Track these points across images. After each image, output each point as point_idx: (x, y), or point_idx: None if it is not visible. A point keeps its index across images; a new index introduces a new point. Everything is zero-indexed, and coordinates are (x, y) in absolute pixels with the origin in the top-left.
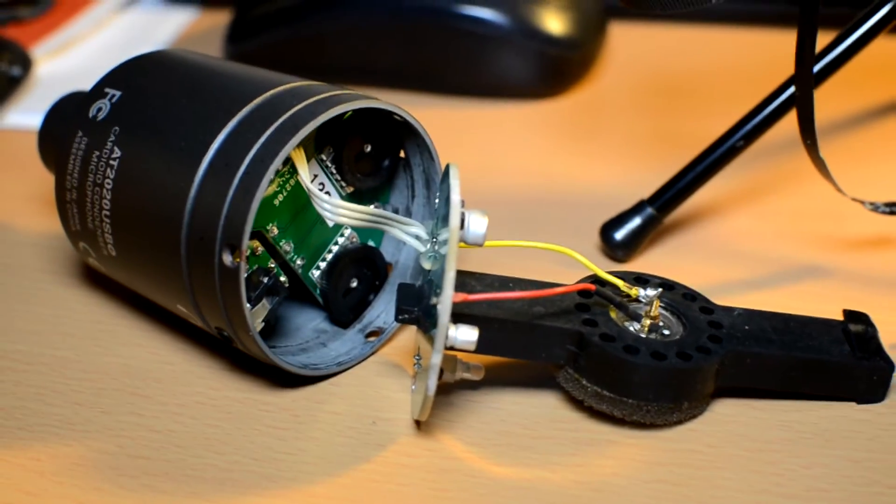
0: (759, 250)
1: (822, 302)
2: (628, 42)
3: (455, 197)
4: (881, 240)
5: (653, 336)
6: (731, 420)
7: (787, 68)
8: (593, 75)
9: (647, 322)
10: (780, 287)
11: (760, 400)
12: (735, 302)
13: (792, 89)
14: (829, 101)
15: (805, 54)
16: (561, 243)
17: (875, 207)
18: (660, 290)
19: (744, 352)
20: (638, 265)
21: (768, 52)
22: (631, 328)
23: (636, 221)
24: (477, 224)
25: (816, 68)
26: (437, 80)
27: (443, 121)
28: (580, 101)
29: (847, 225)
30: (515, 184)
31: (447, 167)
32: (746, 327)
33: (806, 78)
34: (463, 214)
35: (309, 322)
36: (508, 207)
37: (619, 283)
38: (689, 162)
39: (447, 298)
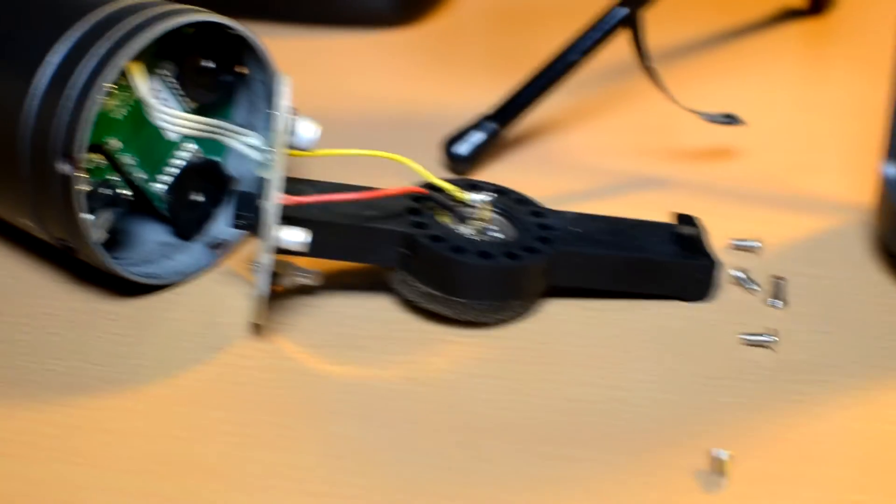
0: (598, 163)
1: (658, 210)
2: None
3: (282, 103)
4: (716, 150)
5: (483, 238)
6: (561, 318)
7: None
8: (449, 2)
9: (478, 224)
10: (618, 196)
11: (591, 300)
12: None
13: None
14: (674, 21)
15: None
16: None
17: (710, 118)
18: (491, 195)
19: (572, 252)
20: (481, 178)
21: None
22: (461, 231)
23: (477, 135)
24: (306, 129)
25: None
26: (294, 9)
27: (297, 50)
28: (436, 28)
29: (684, 137)
30: (367, 108)
31: (279, 78)
32: (576, 229)
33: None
34: (292, 121)
35: (155, 235)
36: (357, 129)
37: (451, 187)
38: (527, 77)
39: (273, 199)
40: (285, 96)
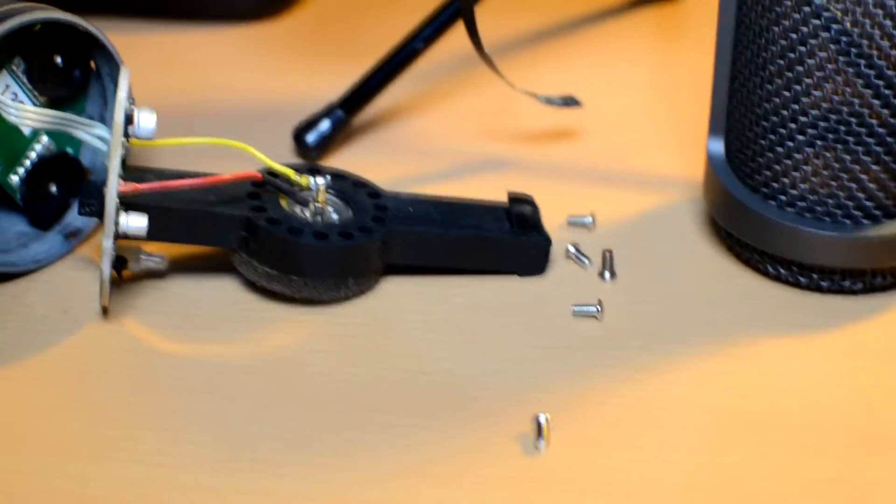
0: (444, 147)
1: (500, 190)
2: None
3: (120, 94)
4: (558, 132)
5: (319, 220)
6: (398, 295)
7: None
8: None
9: (315, 207)
10: (462, 178)
11: (429, 277)
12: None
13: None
14: (531, 6)
15: None
16: (262, 151)
17: (548, 101)
18: (328, 178)
19: (406, 231)
20: (331, 164)
21: None
22: (299, 213)
23: (326, 124)
24: (145, 119)
25: None
26: (159, 5)
27: (161, 46)
28: (299, 21)
29: (527, 120)
30: (226, 101)
31: (120, 71)
32: (411, 210)
33: None
34: (131, 111)
35: (12, 225)
36: (215, 121)
37: (290, 172)
38: (373, 65)
39: (112, 186)
40: (123, 87)
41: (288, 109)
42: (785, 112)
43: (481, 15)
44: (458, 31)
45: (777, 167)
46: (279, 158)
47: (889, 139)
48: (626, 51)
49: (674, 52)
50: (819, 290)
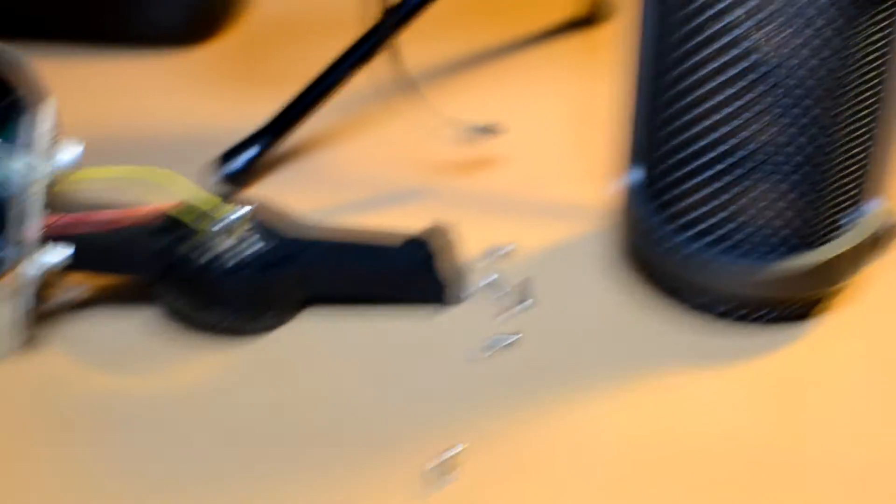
0: (366, 176)
1: (421, 219)
2: None
3: (42, 125)
4: (481, 161)
5: (236, 252)
6: (314, 327)
7: None
8: (241, 21)
9: (232, 240)
10: (384, 209)
11: (345, 309)
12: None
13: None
14: (456, 34)
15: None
16: (185, 180)
17: (469, 129)
18: (247, 210)
19: (322, 264)
20: (253, 192)
21: None
22: (216, 247)
23: (249, 153)
24: (69, 150)
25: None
26: (86, 31)
27: (89, 73)
28: (225, 46)
29: (448, 149)
30: (150, 129)
31: (42, 101)
32: (327, 243)
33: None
34: (54, 142)
35: None
36: (139, 150)
37: (209, 204)
38: (296, 95)
39: (33, 219)
40: (45, 118)
41: (212, 137)
42: (702, 142)
43: (404, 43)
44: (382, 60)
45: (692, 198)
46: (202, 187)
47: (804, 170)
48: (549, 77)
49: (596, 77)
50: (732, 320)
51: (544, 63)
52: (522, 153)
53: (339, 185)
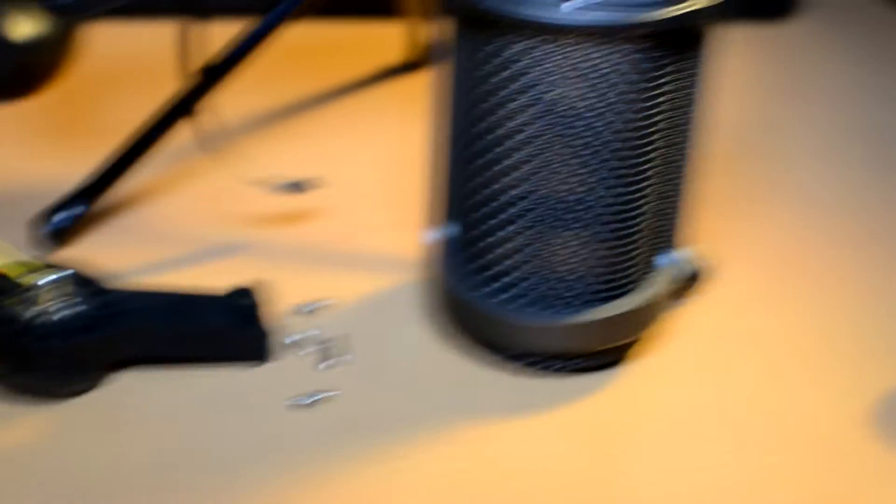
0: (184, 232)
1: (237, 276)
2: (104, 39)
3: None
4: (296, 213)
5: (53, 315)
6: (127, 388)
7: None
8: (63, 74)
9: (49, 302)
10: (201, 265)
11: (158, 368)
12: (157, 282)
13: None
14: (281, 82)
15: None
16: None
17: (278, 188)
18: (56, 276)
19: (133, 326)
20: (71, 252)
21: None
22: (32, 309)
23: (69, 211)
24: None
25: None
26: None
27: None
28: (45, 101)
29: (266, 201)
30: None
31: None
32: (138, 305)
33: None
34: None
35: None
36: None
37: (26, 266)
38: (117, 150)
39: None
40: None
41: (33, 194)
42: (505, 196)
43: (225, 94)
44: (203, 113)
45: (498, 251)
46: (19, 247)
47: (607, 222)
48: (371, 125)
49: (418, 124)
50: (543, 370)
51: (367, 111)
52: (343, 204)
53: (160, 241)
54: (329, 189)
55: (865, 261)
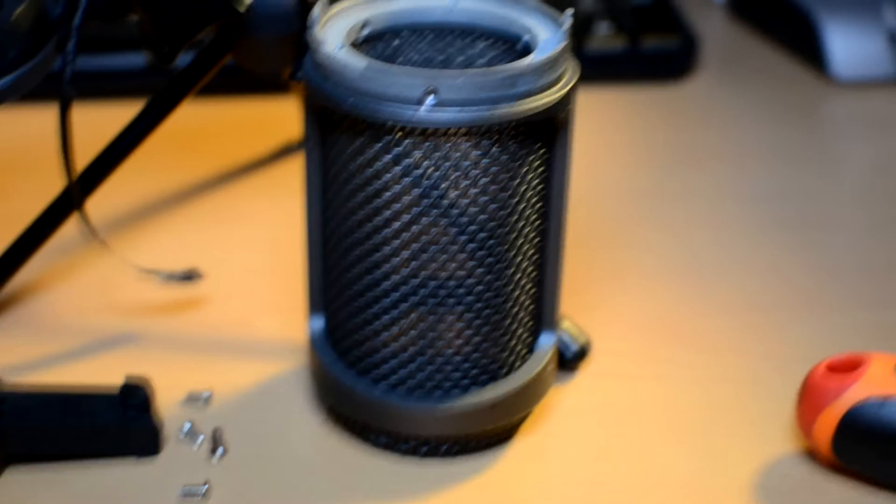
0: (73, 325)
1: (126, 368)
2: None
3: None
4: (182, 302)
5: None
6: (17, 486)
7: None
8: None
9: None
10: (89, 358)
11: (49, 465)
12: (48, 376)
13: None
14: (175, 167)
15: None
16: None
17: (168, 278)
18: None
19: (22, 424)
20: None
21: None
22: None
23: None
24: None
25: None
26: None
27: None
28: None
29: (153, 290)
30: None
31: None
32: (27, 403)
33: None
34: None
35: None
36: None
37: None
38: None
39: None
40: None
41: None
42: (374, 286)
43: (109, 183)
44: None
45: (369, 343)
46: None
47: (480, 306)
48: (257, 208)
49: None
50: (417, 457)
51: (254, 193)
52: (233, 290)
53: (49, 335)
54: (215, 276)
55: (751, 328)
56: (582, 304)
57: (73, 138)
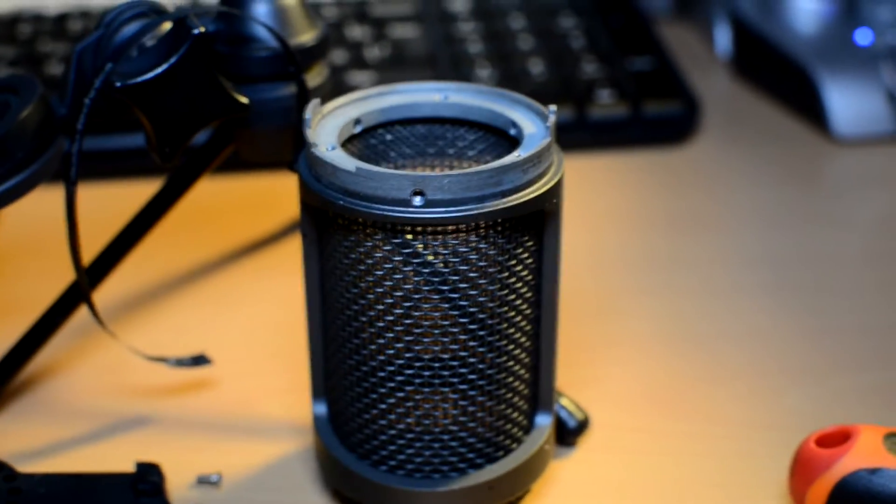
0: (85, 409)
1: (139, 449)
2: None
3: None
4: (192, 384)
5: None
6: None
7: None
8: None
9: None
10: (104, 440)
11: None
12: (62, 461)
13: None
14: (166, 248)
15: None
16: None
17: (177, 363)
18: None
19: None
20: None
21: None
22: None
23: None
24: None
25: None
26: None
27: None
28: None
29: (165, 373)
30: None
31: None
32: (43, 490)
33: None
34: None
35: None
36: None
37: None
38: (22, 334)
39: None
40: None
41: None
42: (377, 371)
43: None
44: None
45: (371, 427)
46: None
47: (475, 387)
48: (263, 288)
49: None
50: None
51: (260, 272)
52: (235, 373)
53: (62, 420)
54: (228, 355)
55: (748, 396)
56: (580, 376)
57: (80, 221)
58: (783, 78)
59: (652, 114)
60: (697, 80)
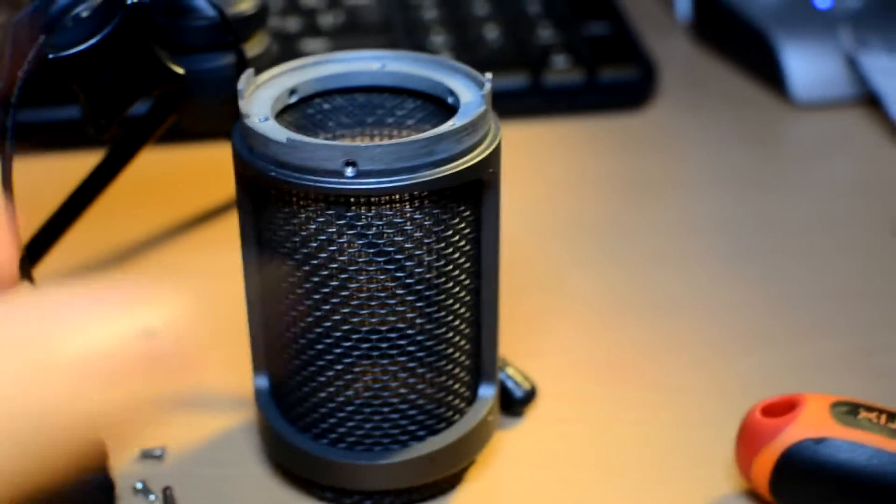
0: None
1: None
2: None
3: None
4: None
5: None
6: None
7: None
8: None
9: None
10: None
11: None
12: None
13: None
14: (108, 221)
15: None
16: None
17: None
18: None
19: None
20: None
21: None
22: None
23: None
24: None
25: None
26: None
27: None
28: None
29: None
30: None
31: None
32: None
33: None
34: None
35: None
36: None
37: None
38: None
39: None
40: None
41: None
42: (317, 342)
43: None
44: None
45: (311, 399)
46: None
47: (419, 357)
48: (200, 263)
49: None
50: None
51: (203, 245)
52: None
53: None
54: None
55: (701, 365)
56: (527, 347)
57: (18, 195)
58: (742, 42)
59: (608, 79)
60: (656, 45)
